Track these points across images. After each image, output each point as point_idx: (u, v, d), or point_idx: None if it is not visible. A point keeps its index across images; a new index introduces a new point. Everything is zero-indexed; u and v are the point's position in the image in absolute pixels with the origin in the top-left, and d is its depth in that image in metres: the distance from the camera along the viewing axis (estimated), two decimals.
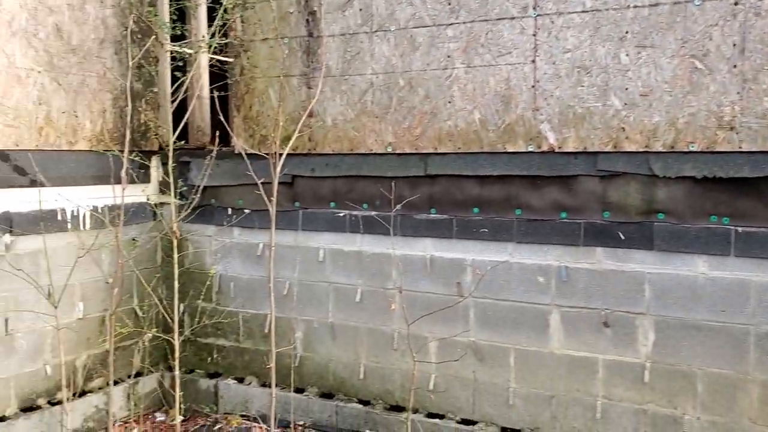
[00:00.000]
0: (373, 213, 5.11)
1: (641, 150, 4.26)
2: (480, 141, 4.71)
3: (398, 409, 5.11)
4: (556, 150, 4.49)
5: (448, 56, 4.79)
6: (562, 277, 4.61)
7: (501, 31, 4.62)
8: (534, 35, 4.52)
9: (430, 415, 5.03)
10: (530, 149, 4.55)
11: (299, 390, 5.51)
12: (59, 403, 4.99)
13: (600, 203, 4.45)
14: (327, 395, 5.45)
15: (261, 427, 5.28)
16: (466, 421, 4.95)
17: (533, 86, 4.54)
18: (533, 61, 4.53)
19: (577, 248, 4.55)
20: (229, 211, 5.74)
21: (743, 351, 4.15)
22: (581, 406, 4.61)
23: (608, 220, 4.44)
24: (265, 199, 4.45)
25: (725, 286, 4.17)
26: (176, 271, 4.74)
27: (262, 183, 4.65)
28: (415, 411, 5.03)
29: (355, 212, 5.23)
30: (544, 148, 4.51)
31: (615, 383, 4.51)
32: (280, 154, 4.61)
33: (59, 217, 5.10)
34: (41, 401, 5.03)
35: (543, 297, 4.68)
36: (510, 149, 4.61)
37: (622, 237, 4.41)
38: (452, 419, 4.97)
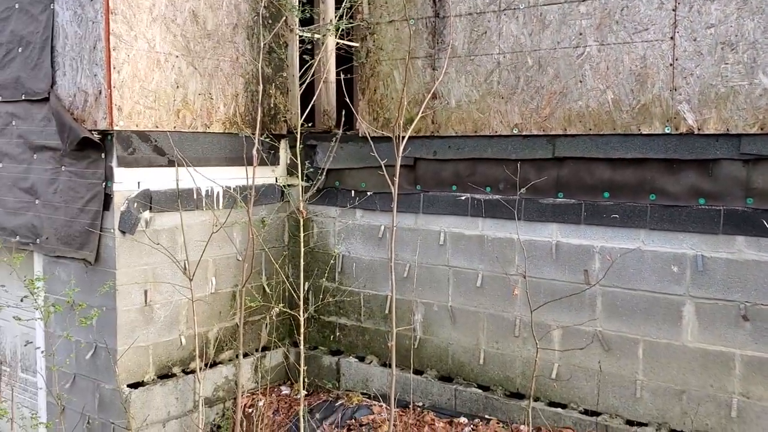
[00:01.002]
0: (497, 197, 5.04)
1: None
2: (612, 122, 4.52)
3: (518, 396, 5.04)
4: (696, 132, 4.24)
5: (580, 34, 4.63)
6: (698, 266, 4.36)
7: (637, 6, 4.40)
8: (674, 10, 4.27)
9: (552, 404, 4.93)
10: (667, 131, 4.32)
11: (418, 372, 5.55)
12: (192, 372, 5.30)
13: (743, 189, 4.17)
14: (446, 378, 5.46)
15: (381, 406, 5.37)
16: (589, 412, 4.81)
17: (671, 64, 4.30)
18: (672, 38, 4.29)
19: (715, 236, 4.29)
20: (352, 193, 5.84)
21: None
22: (715, 403, 4.36)
23: (751, 207, 4.15)
24: (388, 180, 4.50)
25: None
26: (302, 250, 4.89)
27: (384, 165, 4.70)
28: (536, 399, 4.94)
29: (477, 195, 5.18)
30: (682, 129, 4.27)
31: (754, 380, 4.23)
32: (403, 137, 4.63)
33: (195, 196, 5.38)
34: (176, 369, 5.36)
35: (676, 287, 4.46)
36: (645, 131, 4.40)
37: (767, 225, 4.11)
38: (575, 409, 4.85)
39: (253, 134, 5.05)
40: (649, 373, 4.59)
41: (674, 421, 4.51)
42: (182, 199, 5.21)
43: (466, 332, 5.35)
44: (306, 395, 5.84)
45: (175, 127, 5.24)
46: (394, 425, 5.01)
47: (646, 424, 4.60)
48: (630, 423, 4.65)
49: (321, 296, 6.01)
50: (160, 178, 5.19)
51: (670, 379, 4.52)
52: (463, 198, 5.27)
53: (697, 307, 4.39)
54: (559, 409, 4.87)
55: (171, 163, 5.21)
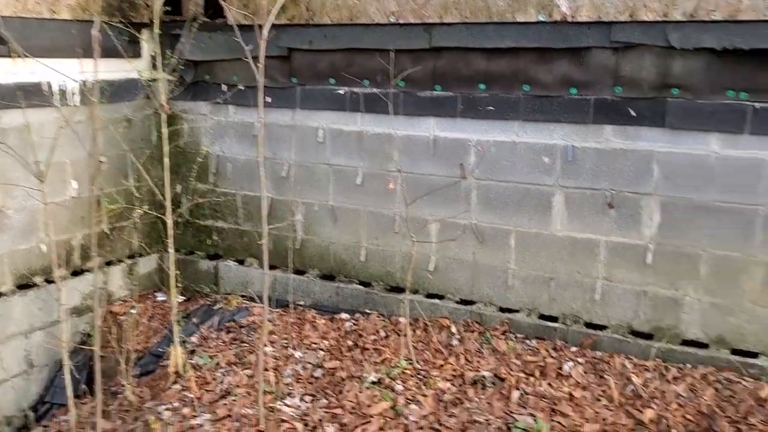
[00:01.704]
0: (375, 90, 4.88)
1: (659, 19, 3.99)
2: (488, 10, 4.41)
3: (398, 290, 5.09)
4: (569, 20, 4.21)
5: None
6: (568, 157, 4.45)
7: None
8: None
9: (430, 296, 5.02)
10: (541, 18, 4.27)
11: (300, 272, 5.49)
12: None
13: (612, 78, 4.22)
14: (328, 277, 5.43)
15: (261, 307, 5.30)
16: (464, 302, 4.94)
17: None
18: None
19: (585, 126, 4.37)
20: (224, 87, 5.51)
21: (750, 232, 4.06)
22: (581, 288, 4.57)
23: (619, 96, 4.23)
24: (255, 72, 4.24)
25: (737, 165, 4.02)
26: (166, 148, 4.57)
27: (255, 57, 4.40)
28: (415, 292, 5.01)
29: (355, 89, 5.01)
30: (556, 17, 4.23)
31: (616, 265, 4.45)
32: (265, 25, 4.32)
33: (45, 91, 4.88)
34: (37, 279, 5.01)
35: (547, 178, 4.55)
36: (520, 19, 4.33)
37: (633, 114, 4.22)
38: (451, 299, 4.97)
39: (110, 22, 4.58)
40: (520, 263, 4.73)
41: (543, 306, 4.71)
42: (29, 94, 4.71)
43: (348, 230, 5.29)
44: (184, 300, 5.67)
45: (15, 12, 4.67)
46: (274, 325, 4.97)
47: (517, 311, 4.78)
48: (502, 310, 4.81)
49: (193, 197, 5.75)
50: (1, 71, 4.65)
51: (539, 267, 4.68)
52: (341, 92, 5.08)
53: (567, 197, 4.51)
54: (437, 300, 4.97)
55: (13, 53, 4.66)
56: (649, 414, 3.73)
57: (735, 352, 4.16)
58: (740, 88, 3.91)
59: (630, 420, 3.71)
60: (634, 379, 4.05)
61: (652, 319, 4.40)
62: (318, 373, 4.39)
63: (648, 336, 4.40)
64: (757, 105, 3.89)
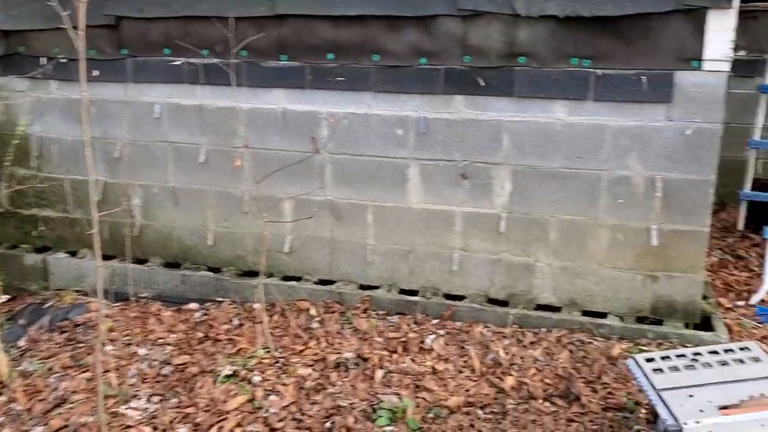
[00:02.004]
0: (216, 60, 4.52)
1: None
2: None
3: (251, 274, 4.81)
4: None
5: None
6: (421, 128, 4.37)
7: None
8: None
9: (287, 278, 4.79)
10: None
11: (141, 261, 5.04)
12: None
13: (461, 47, 4.17)
14: (172, 265, 5.03)
15: (98, 302, 4.80)
16: (324, 282, 4.76)
17: None
18: None
19: (436, 97, 4.30)
20: (43, 60, 4.90)
21: (595, 197, 4.18)
22: (438, 260, 4.54)
23: (469, 65, 4.19)
24: (74, 42, 3.75)
25: (582, 132, 4.11)
26: None
27: (76, 27, 3.90)
28: (270, 275, 4.76)
29: (193, 60, 4.62)
30: None
31: (472, 235, 4.45)
32: None
33: None
34: None
35: (401, 150, 4.45)
36: None
37: (482, 83, 4.19)
38: (309, 280, 4.77)
39: None
40: (379, 238, 4.62)
41: (403, 280, 4.63)
42: None
43: (192, 213, 4.92)
44: (7, 300, 5.04)
45: None
46: (114, 321, 4.52)
47: (377, 287, 4.67)
48: (363, 287, 4.69)
49: (14, 186, 5.10)
50: None
51: (398, 241, 4.59)
52: (178, 63, 4.67)
53: (421, 169, 4.44)
54: (294, 282, 4.75)
55: None
56: (509, 381, 3.76)
57: (586, 313, 4.30)
58: (583, 55, 3.99)
59: (492, 389, 3.72)
60: (494, 347, 4.07)
61: (507, 286, 4.45)
62: (166, 370, 4.03)
63: (504, 303, 4.45)
64: (599, 71, 3.99)
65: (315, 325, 4.41)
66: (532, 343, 4.13)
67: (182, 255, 5.00)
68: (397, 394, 3.70)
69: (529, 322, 4.31)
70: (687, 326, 4.15)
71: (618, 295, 4.26)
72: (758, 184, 5.54)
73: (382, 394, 3.72)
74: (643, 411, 3.45)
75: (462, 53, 4.17)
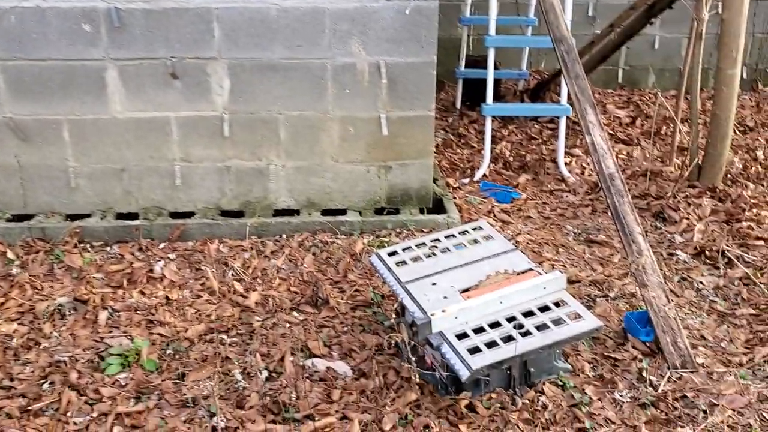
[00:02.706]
0: None
1: None
2: None
3: None
4: None
5: None
6: (114, 22, 3.67)
7: None
8: None
9: None
10: None
11: None
12: None
13: None
14: None
15: None
16: (19, 218, 3.97)
17: None
18: None
19: None
20: None
21: (322, 88, 3.92)
22: (158, 175, 4.00)
23: None
24: None
25: (299, 17, 3.76)
26: None
27: None
28: None
29: None
30: None
31: (193, 143, 3.96)
32: None
33: None
34: None
35: (94, 50, 3.73)
36: None
37: None
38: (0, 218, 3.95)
39: None
40: (81, 157, 3.92)
41: (119, 203, 4.03)
42: None
43: None
44: None
45: None
46: None
47: (88, 215, 4.01)
48: (71, 218, 4.00)
49: None
50: None
51: (105, 159, 3.94)
52: None
53: (121, 71, 3.78)
54: None
55: None
56: (254, 297, 3.47)
57: (325, 212, 4.12)
58: None
59: (236, 309, 3.41)
60: (233, 263, 3.73)
61: (240, 194, 4.09)
62: None
63: (239, 214, 4.10)
64: None
65: (15, 270, 3.68)
66: (273, 252, 3.86)
67: None
68: (128, 334, 3.22)
69: (269, 230, 4.02)
70: (422, 212, 4.18)
71: (355, 190, 4.13)
72: (470, 61, 5.73)
73: (110, 338, 3.22)
74: (391, 304, 3.40)
75: None
